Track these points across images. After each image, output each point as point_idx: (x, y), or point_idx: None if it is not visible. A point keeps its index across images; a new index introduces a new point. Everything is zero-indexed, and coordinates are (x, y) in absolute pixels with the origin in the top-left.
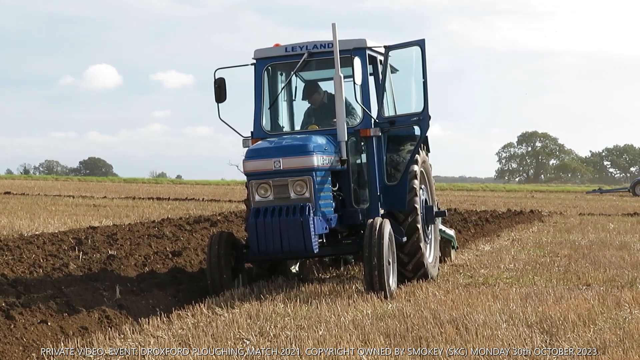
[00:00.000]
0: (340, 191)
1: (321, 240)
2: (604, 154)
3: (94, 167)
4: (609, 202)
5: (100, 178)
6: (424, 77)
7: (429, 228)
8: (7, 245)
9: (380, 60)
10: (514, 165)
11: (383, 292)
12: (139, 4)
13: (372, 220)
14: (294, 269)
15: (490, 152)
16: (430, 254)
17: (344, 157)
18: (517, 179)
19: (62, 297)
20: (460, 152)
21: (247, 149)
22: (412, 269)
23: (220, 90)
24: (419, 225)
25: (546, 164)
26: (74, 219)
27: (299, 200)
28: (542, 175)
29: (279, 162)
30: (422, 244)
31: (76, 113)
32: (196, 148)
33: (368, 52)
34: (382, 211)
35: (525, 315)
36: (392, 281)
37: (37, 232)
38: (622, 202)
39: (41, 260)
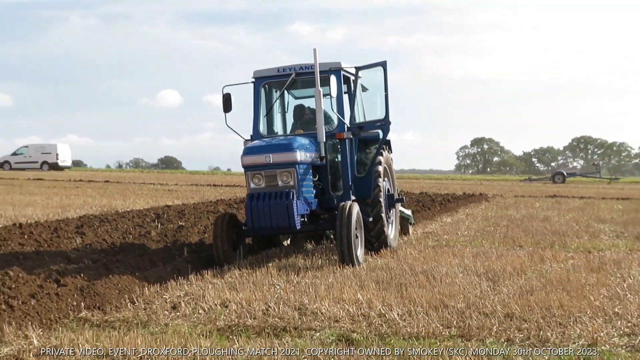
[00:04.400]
0: (320, 181)
1: (303, 219)
2: (532, 153)
3: (168, 163)
4: (535, 188)
5: (173, 171)
6: (385, 91)
7: (391, 211)
8: (107, 218)
9: (353, 80)
10: (468, 161)
11: (351, 261)
12: (194, 44)
13: (343, 203)
14: (286, 242)
15: (451, 152)
16: (391, 231)
17: (323, 154)
18: (470, 171)
19: (146, 255)
20: (429, 152)
21: (244, 147)
22: (377, 246)
23: (227, 103)
24: (383, 215)
25: (491, 160)
26: (154, 200)
27: (285, 188)
28: (488, 168)
29: (269, 157)
30: (385, 228)
31: (151, 124)
32: (238, 150)
33: (342, 72)
34: (353, 197)
35: (476, 268)
36: (360, 252)
37: (128, 209)
38: (545, 188)
39: (131, 229)
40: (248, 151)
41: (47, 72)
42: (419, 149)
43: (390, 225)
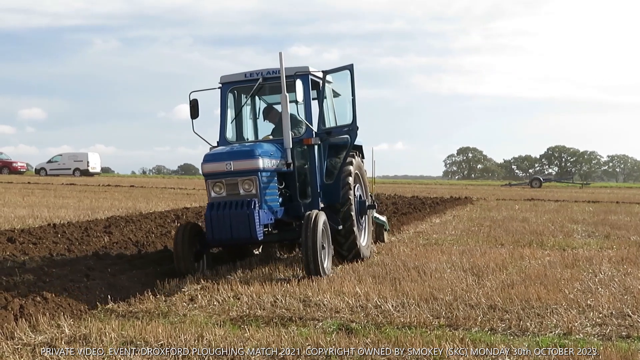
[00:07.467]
0: (287, 188)
1: (267, 229)
2: (512, 160)
3: (187, 169)
4: (515, 192)
5: (192, 176)
6: (352, 96)
7: (363, 218)
8: (132, 219)
9: (322, 84)
10: (455, 168)
11: (317, 273)
12: (208, 64)
13: (309, 212)
14: (257, 251)
15: (439, 159)
16: (364, 239)
17: (289, 160)
18: (456, 177)
19: (166, 253)
20: (419, 159)
21: (205, 153)
22: (351, 257)
23: (194, 109)
24: (355, 228)
25: (475, 167)
26: (174, 202)
27: (246, 196)
28: (473, 174)
29: (230, 164)
30: (357, 241)
31: (170, 135)
32: None
33: (310, 77)
34: (321, 205)
35: (462, 264)
36: (327, 263)
37: (150, 211)
38: (523, 191)
39: (153, 229)
40: (208, 158)
41: (76, 88)
42: (411, 157)
43: (362, 233)
